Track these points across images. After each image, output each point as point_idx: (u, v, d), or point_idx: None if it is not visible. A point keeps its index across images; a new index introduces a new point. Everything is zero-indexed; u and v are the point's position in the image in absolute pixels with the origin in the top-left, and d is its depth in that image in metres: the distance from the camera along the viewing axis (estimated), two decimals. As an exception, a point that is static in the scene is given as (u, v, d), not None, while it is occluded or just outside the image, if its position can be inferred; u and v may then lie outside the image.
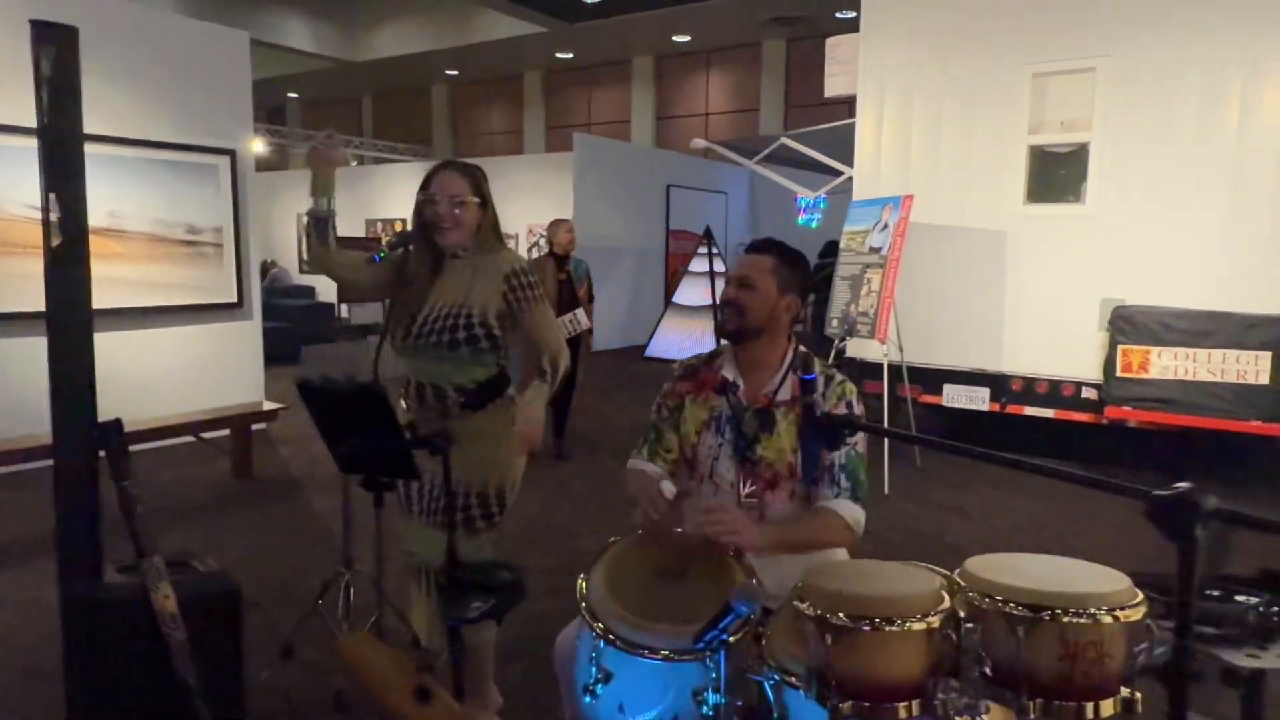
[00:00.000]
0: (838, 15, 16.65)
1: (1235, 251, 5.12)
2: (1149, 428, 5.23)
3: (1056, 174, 5.58)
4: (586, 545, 4.31)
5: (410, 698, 1.89)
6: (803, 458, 1.79)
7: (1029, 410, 5.75)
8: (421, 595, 2.56)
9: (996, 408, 5.89)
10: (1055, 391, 5.65)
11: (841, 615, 1.23)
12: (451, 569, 1.96)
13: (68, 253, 2.47)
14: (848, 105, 19.01)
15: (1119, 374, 5.06)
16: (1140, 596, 1.25)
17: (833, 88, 6.86)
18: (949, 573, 1.40)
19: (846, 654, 1.22)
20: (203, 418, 5.34)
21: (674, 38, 19.06)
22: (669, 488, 1.90)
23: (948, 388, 6.02)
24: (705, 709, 1.69)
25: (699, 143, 8.46)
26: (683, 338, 10.45)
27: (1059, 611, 1.20)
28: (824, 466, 2.13)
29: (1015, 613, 1.22)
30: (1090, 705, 1.23)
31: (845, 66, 6.52)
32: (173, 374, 6.10)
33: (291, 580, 3.83)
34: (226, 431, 5.50)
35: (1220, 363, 4.73)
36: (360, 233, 14.83)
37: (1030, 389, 5.74)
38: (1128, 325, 5.04)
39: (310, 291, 14.11)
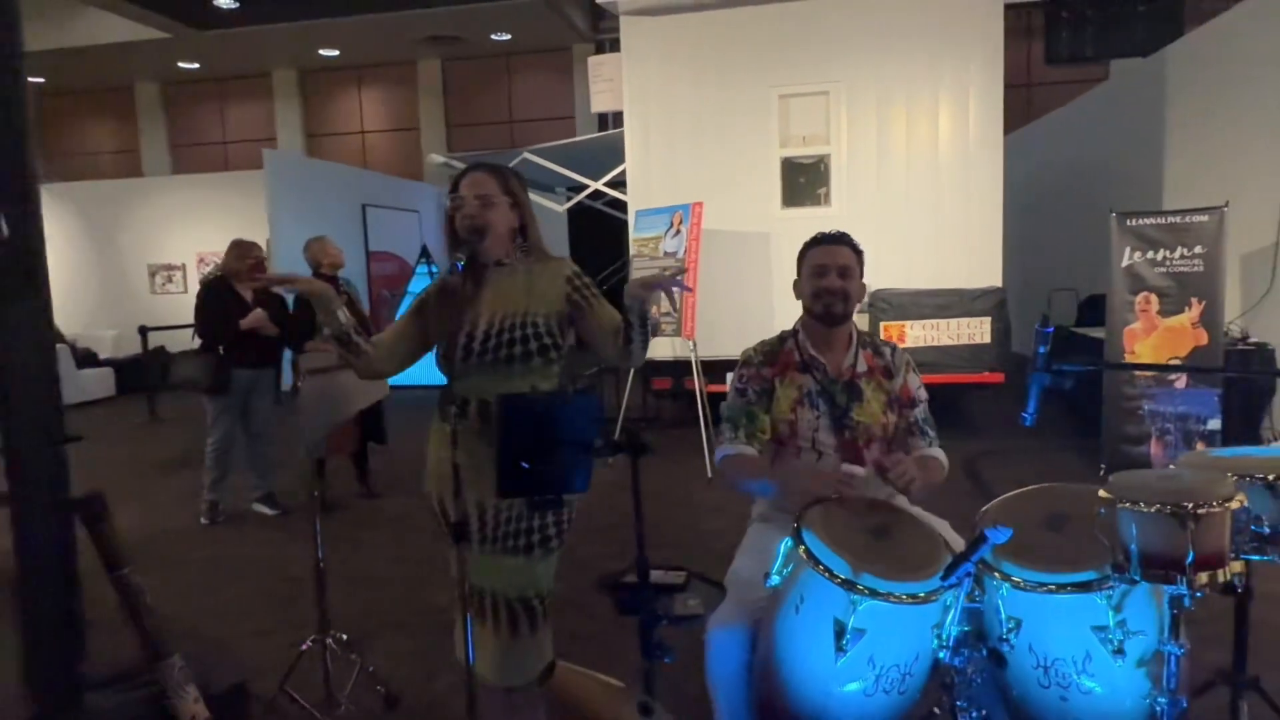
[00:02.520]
0: (493, 37, 17.09)
1: (941, 240, 6.43)
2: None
3: (805, 181, 6.50)
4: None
5: (636, 715, 1.80)
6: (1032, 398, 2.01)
7: (801, 387, 6.59)
8: (491, 630, 2.34)
9: (774, 388, 6.66)
10: (820, 368, 6.56)
11: (1199, 505, 1.52)
12: (643, 571, 1.89)
13: (21, 279, 1.90)
14: (510, 126, 19.37)
15: (882, 346, 6.07)
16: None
17: (599, 104, 7.20)
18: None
19: (1202, 534, 1.52)
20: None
21: (320, 51, 18.00)
22: (854, 469, 2.08)
23: (731, 375, 6.63)
24: (946, 639, 1.89)
25: (435, 158, 8.24)
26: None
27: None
28: (909, 423, 2.43)
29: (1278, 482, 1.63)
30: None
31: (610, 84, 6.89)
32: None
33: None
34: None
35: (957, 329, 5.94)
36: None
37: (799, 368, 6.59)
38: (886, 305, 6.08)
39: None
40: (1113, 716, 1.82)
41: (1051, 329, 1.83)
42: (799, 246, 2.60)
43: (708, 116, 6.59)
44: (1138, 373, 5.35)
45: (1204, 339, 5.26)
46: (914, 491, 2.20)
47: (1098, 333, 5.91)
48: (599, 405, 1.86)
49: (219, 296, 5.12)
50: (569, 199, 8.74)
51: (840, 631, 1.85)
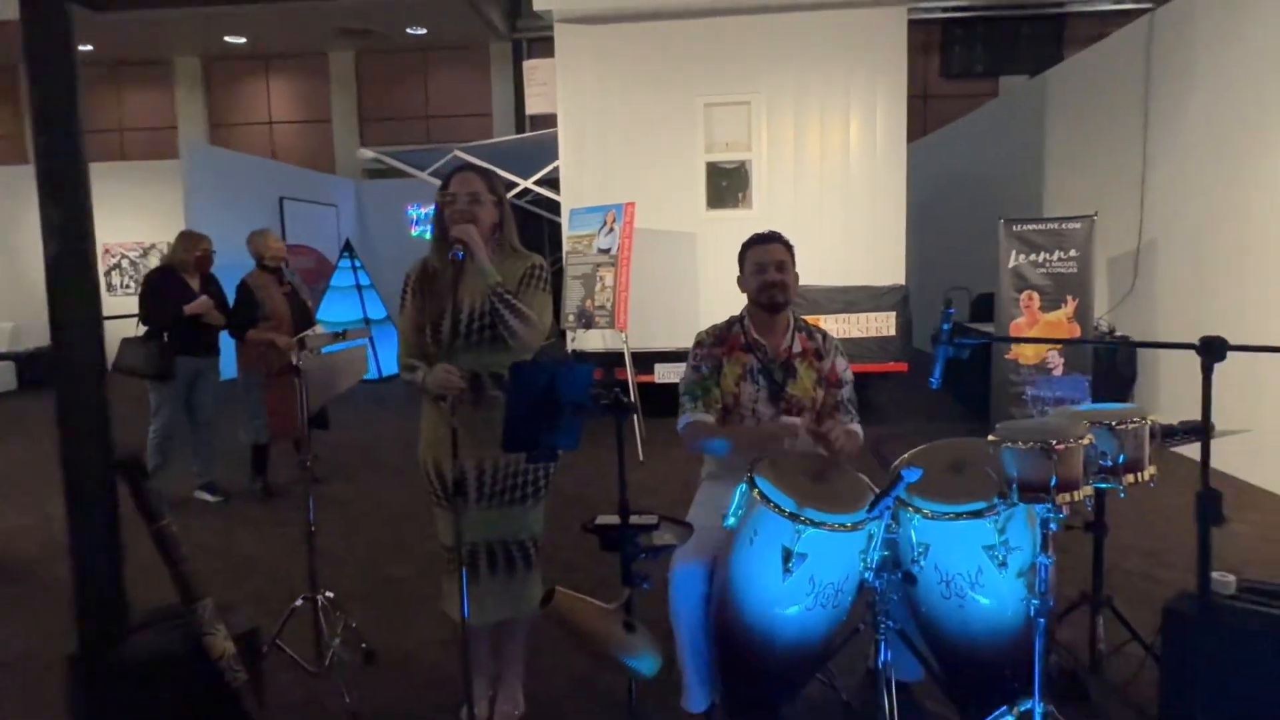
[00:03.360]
0: (409, 31, 17.02)
1: (851, 241, 6.99)
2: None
3: (728, 185, 6.97)
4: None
5: (623, 631, 2.16)
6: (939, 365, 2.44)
7: (723, 377, 7.06)
8: (487, 573, 2.64)
9: (697, 378, 7.11)
10: (741, 359, 7.05)
11: (1057, 440, 1.98)
12: (624, 513, 2.24)
13: (70, 260, 2.12)
14: (426, 121, 19.21)
15: (798, 338, 6.59)
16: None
17: (534, 106, 7.47)
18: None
19: (1062, 464, 1.98)
20: None
21: (226, 38, 17.54)
22: (792, 420, 2.49)
23: (659, 366, 7.06)
24: (870, 563, 2.31)
25: (365, 153, 8.33)
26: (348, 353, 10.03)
27: (1139, 419, 2.12)
28: (835, 401, 2.85)
29: (1118, 426, 2.11)
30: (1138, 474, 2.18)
31: (544, 88, 7.18)
32: None
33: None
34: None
35: (866, 323, 6.50)
36: None
37: (722, 359, 7.06)
38: (800, 299, 6.57)
39: None
40: (998, 618, 2.28)
41: (954, 310, 2.29)
42: (723, 245, 2.97)
43: (638, 122, 6.99)
44: (1020, 362, 6.03)
45: (1078, 332, 5.97)
46: (838, 449, 2.62)
47: (989, 327, 6.59)
48: (593, 373, 2.19)
49: (165, 284, 5.20)
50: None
51: (788, 556, 2.25)
